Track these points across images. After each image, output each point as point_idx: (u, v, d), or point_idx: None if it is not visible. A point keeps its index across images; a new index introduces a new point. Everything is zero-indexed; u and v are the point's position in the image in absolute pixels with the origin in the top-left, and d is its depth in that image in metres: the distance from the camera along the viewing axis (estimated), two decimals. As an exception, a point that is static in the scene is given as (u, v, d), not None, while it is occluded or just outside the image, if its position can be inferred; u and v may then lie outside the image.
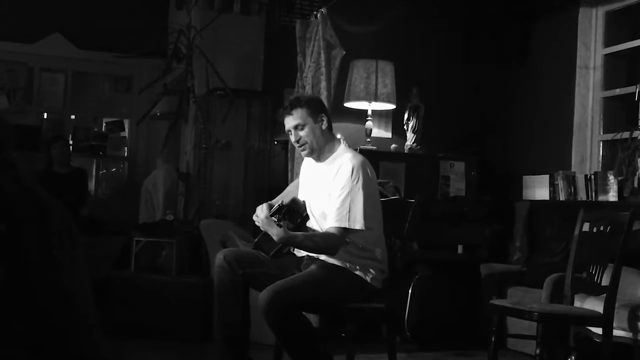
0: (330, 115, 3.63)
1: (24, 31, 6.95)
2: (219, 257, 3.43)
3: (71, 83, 7.43)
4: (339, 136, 5.48)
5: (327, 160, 3.53)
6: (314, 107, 3.51)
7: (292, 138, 3.52)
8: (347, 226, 3.33)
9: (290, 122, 3.49)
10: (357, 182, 3.35)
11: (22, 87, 7.12)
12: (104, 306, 4.89)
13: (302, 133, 3.47)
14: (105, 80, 7.74)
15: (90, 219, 6.33)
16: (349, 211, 3.33)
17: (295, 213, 3.35)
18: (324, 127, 3.51)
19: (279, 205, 3.33)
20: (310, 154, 3.53)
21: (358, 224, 3.33)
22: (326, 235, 3.35)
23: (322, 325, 3.37)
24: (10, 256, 1.34)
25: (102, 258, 5.55)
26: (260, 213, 3.31)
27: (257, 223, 3.40)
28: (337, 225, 3.33)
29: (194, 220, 5.65)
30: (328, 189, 3.42)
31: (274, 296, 3.14)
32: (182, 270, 5.28)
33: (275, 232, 3.26)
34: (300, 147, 3.52)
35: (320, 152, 3.52)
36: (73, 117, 7.61)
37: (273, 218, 3.27)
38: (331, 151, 3.53)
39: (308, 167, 3.68)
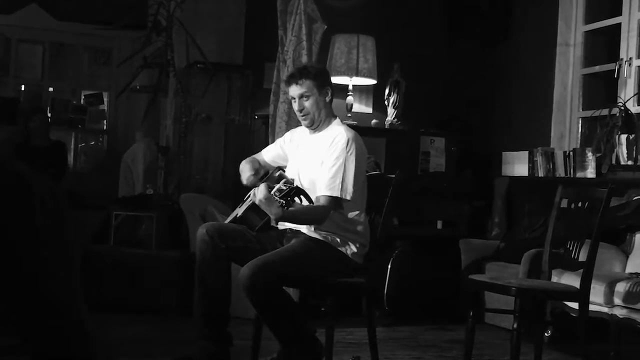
0: (333, 87, 3.65)
1: (1, 1, 6.84)
2: (201, 231, 3.43)
3: (49, 55, 7.34)
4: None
5: (321, 132, 3.57)
6: (322, 80, 3.56)
7: (296, 106, 3.55)
8: (338, 195, 3.36)
9: (296, 90, 3.52)
10: (351, 154, 3.41)
11: (-1, 58, 7.03)
12: (83, 280, 4.88)
13: (306, 103, 3.51)
14: (84, 52, 7.65)
15: (69, 192, 6.27)
16: (342, 181, 3.37)
17: (302, 198, 3.27)
18: (327, 99, 3.57)
19: (288, 187, 3.24)
20: (310, 124, 3.57)
21: (348, 194, 3.37)
22: (318, 207, 3.36)
23: (302, 300, 3.38)
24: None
25: (81, 232, 5.53)
26: (258, 193, 3.24)
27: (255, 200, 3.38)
28: (328, 194, 3.36)
29: (173, 195, 5.63)
30: (320, 157, 3.46)
31: (255, 271, 3.15)
32: (162, 245, 5.27)
33: (274, 212, 3.23)
34: (302, 116, 3.55)
35: (319, 123, 3.56)
36: (51, 89, 7.53)
37: (281, 200, 3.17)
38: (327, 124, 3.58)
39: (300, 138, 3.68)
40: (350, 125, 5.52)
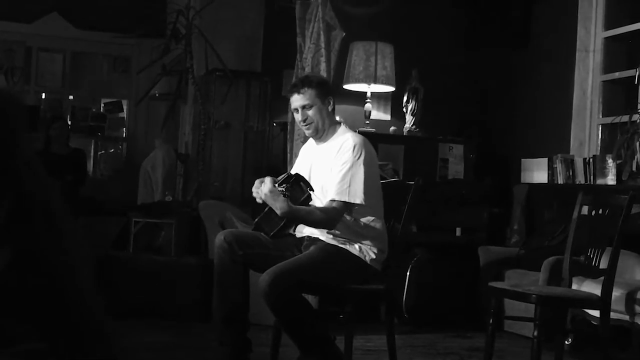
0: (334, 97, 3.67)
1: (22, 10, 6.91)
2: (219, 238, 3.44)
3: (69, 63, 7.40)
4: (338, 118, 5.52)
5: (328, 141, 3.57)
6: (324, 89, 3.58)
7: (299, 117, 3.56)
8: (347, 200, 3.35)
9: (298, 100, 3.53)
10: (358, 158, 3.40)
11: (20, 66, 7.10)
12: (102, 287, 4.90)
13: (309, 113, 3.52)
14: (103, 61, 7.72)
15: (89, 199, 6.32)
16: (349, 185, 3.36)
17: (302, 185, 3.30)
18: (330, 108, 3.58)
19: (287, 174, 3.29)
20: (314, 134, 3.58)
21: (358, 198, 3.36)
22: (326, 209, 3.37)
23: (321, 307, 3.38)
24: (16, 235, 1.34)
25: (100, 238, 5.56)
26: (264, 187, 3.28)
27: (257, 198, 3.39)
28: (337, 198, 3.36)
29: (192, 201, 5.65)
30: (329, 165, 3.46)
31: (275, 279, 3.15)
32: (181, 251, 5.29)
33: (279, 206, 3.25)
34: (305, 126, 3.56)
35: (323, 132, 3.57)
36: (71, 97, 7.59)
37: (280, 188, 3.22)
38: (333, 132, 3.58)
39: (308, 149, 3.71)
40: (368, 133, 5.58)
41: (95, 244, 5.30)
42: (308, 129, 3.56)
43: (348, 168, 3.38)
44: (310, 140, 3.70)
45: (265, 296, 3.16)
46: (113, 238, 5.73)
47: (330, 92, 3.62)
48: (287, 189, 3.24)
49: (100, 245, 5.40)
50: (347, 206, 3.37)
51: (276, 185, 3.25)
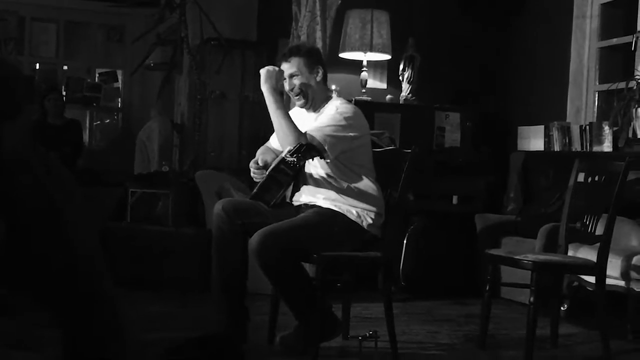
0: (325, 66, 3.64)
1: (15, -20, 6.85)
2: (217, 207, 3.44)
3: (63, 33, 7.35)
4: (333, 87, 5.51)
5: (319, 110, 3.56)
6: (312, 58, 3.56)
7: (287, 86, 3.55)
8: (321, 142, 3.31)
9: (286, 69, 3.53)
10: (338, 113, 3.40)
11: (14, 37, 7.04)
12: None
13: (296, 82, 3.52)
14: (97, 30, 7.66)
15: (85, 170, 6.32)
16: (323, 132, 3.33)
17: (314, 153, 3.28)
18: (318, 78, 3.56)
19: (298, 143, 3.24)
20: (304, 104, 3.58)
21: (323, 143, 3.32)
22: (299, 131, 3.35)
23: (318, 275, 3.39)
24: (9, 209, 1.34)
25: (98, 209, 5.56)
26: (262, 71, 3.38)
27: (255, 178, 3.42)
28: (310, 133, 3.33)
29: (189, 172, 5.65)
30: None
31: (265, 238, 3.17)
32: (178, 222, 5.29)
33: (267, 86, 3.39)
34: (295, 96, 3.56)
35: (313, 102, 3.56)
36: (66, 67, 7.55)
37: (292, 158, 3.21)
38: (325, 102, 3.57)
39: (298, 116, 3.65)
40: (364, 102, 5.57)
41: (93, 215, 5.30)
42: (298, 99, 3.56)
43: (331, 124, 3.37)
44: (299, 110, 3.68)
45: (255, 254, 3.18)
46: (111, 209, 5.73)
47: (319, 62, 3.59)
48: (299, 159, 3.22)
49: (98, 216, 5.40)
50: (311, 141, 3.30)
51: (287, 156, 3.23)
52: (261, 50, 5.98)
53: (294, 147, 3.23)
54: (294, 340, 3.42)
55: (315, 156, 3.32)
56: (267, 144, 3.81)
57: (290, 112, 3.70)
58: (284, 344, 3.45)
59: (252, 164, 3.53)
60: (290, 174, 3.34)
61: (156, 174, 5.66)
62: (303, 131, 3.37)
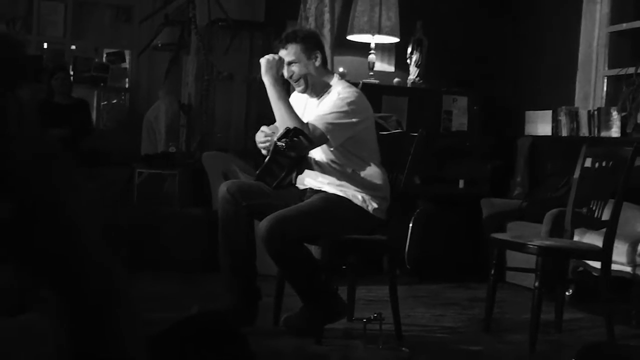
0: (325, 50, 3.63)
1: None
2: (222, 189, 3.45)
3: (71, 12, 7.33)
4: (340, 70, 5.49)
5: (323, 95, 3.53)
6: (309, 44, 3.50)
7: (286, 73, 3.51)
8: (322, 131, 3.30)
9: (283, 56, 3.49)
10: (340, 100, 3.37)
11: (22, 16, 7.04)
12: (108, 238, 4.92)
13: (294, 68, 3.48)
14: (106, 10, 7.65)
15: (92, 150, 6.33)
16: (325, 121, 3.32)
17: (302, 138, 3.27)
18: (317, 63, 3.51)
19: (286, 128, 3.25)
20: (305, 90, 3.54)
21: (324, 134, 3.31)
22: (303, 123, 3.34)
23: (323, 257, 3.40)
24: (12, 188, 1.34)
25: (105, 189, 5.58)
26: (262, 60, 3.37)
27: (262, 150, 3.42)
28: (312, 122, 3.33)
29: (196, 153, 5.66)
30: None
31: (274, 224, 3.18)
32: (185, 202, 5.31)
33: (269, 76, 3.38)
34: (295, 82, 3.52)
35: (314, 87, 3.52)
36: (73, 47, 7.54)
37: (280, 142, 3.20)
38: (326, 86, 3.53)
39: (299, 100, 3.64)
40: (372, 85, 5.56)
41: (101, 195, 5.32)
42: (298, 85, 3.52)
43: (334, 112, 3.35)
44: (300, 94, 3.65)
45: (264, 242, 3.19)
46: (118, 189, 5.75)
47: (317, 46, 3.53)
48: (287, 144, 3.22)
49: (106, 197, 5.41)
50: (314, 131, 3.30)
51: (276, 140, 3.23)
52: (269, 32, 5.96)
53: (282, 132, 3.22)
54: (298, 321, 3.44)
55: (306, 141, 3.28)
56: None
57: (292, 97, 3.70)
58: (288, 325, 3.47)
59: (258, 134, 3.54)
60: (288, 156, 3.33)
61: (163, 155, 5.67)
62: (305, 120, 3.36)
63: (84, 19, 7.62)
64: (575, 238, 3.93)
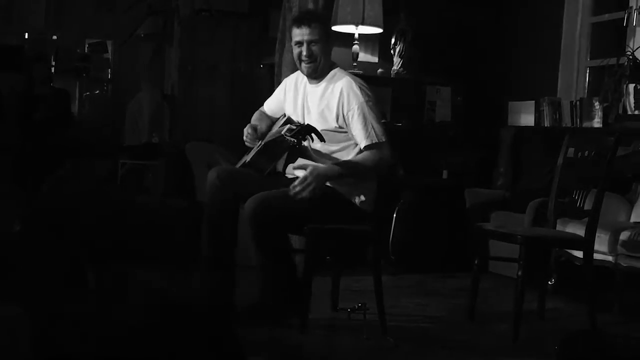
0: None
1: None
2: (212, 175, 3.41)
3: (53, 2, 7.27)
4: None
5: (323, 81, 3.49)
6: (329, 27, 3.52)
7: (304, 51, 3.41)
8: (377, 141, 3.33)
9: (306, 34, 3.40)
10: (368, 100, 3.38)
11: (2, 5, 6.97)
12: (90, 228, 4.91)
13: (314, 48, 3.41)
14: (88, 0, 7.59)
15: (75, 141, 6.29)
16: (371, 126, 3.33)
17: (313, 136, 3.22)
18: (331, 47, 3.51)
19: (298, 125, 3.20)
20: (314, 72, 3.47)
21: (383, 136, 3.35)
22: (366, 156, 3.35)
23: (308, 247, 3.40)
24: None
25: (87, 180, 5.55)
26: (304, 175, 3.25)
27: (246, 141, 3.42)
28: (367, 143, 3.33)
29: (179, 143, 5.64)
30: (323, 110, 3.42)
31: (258, 204, 3.17)
32: (168, 193, 5.29)
33: (330, 171, 3.28)
34: (308, 63, 3.44)
35: (321, 72, 3.48)
36: (55, 37, 7.48)
37: (292, 139, 3.14)
38: (327, 73, 3.50)
39: (300, 86, 3.60)
40: (356, 75, 5.53)
41: (83, 186, 5.29)
42: (309, 66, 3.44)
43: (363, 111, 3.34)
44: (298, 75, 3.62)
45: (249, 219, 3.17)
46: (100, 180, 5.72)
47: (331, 31, 3.53)
48: (299, 142, 3.16)
49: (88, 187, 5.38)
50: (378, 146, 3.34)
51: (287, 134, 3.18)
52: (252, 22, 5.95)
53: (296, 128, 3.16)
54: (259, 310, 3.41)
55: (316, 135, 3.26)
56: (261, 109, 3.79)
57: (286, 81, 3.69)
58: (247, 314, 3.42)
59: (248, 129, 3.52)
60: (286, 148, 3.32)
61: (146, 145, 5.64)
62: (356, 146, 3.38)
63: (66, 9, 7.56)
64: (558, 227, 3.95)
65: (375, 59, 6.26)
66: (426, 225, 5.38)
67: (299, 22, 3.46)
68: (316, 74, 3.48)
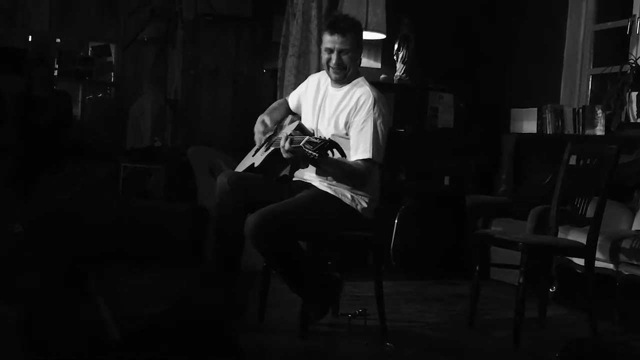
0: None
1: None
2: (222, 180, 3.38)
3: (56, 5, 7.28)
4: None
5: (344, 87, 3.48)
6: (360, 35, 3.46)
7: (333, 59, 3.39)
8: (370, 157, 3.30)
9: (338, 43, 3.37)
10: (378, 116, 3.35)
11: (5, 8, 6.98)
12: (92, 232, 4.91)
13: (344, 58, 3.38)
14: (91, 3, 7.59)
15: (77, 144, 6.29)
16: (372, 143, 3.30)
17: (335, 152, 3.17)
18: (360, 54, 3.50)
19: (321, 140, 3.05)
20: (341, 80, 3.45)
21: (380, 157, 3.33)
22: (354, 166, 3.31)
23: (309, 253, 3.39)
24: None
25: (90, 183, 5.55)
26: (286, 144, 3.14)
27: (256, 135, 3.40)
28: (360, 157, 3.31)
29: (181, 147, 5.64)
30: (343, 115, 3.41)
31: (261, 220, 3.15)
32: (170, 197, 5.29)
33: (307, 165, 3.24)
34: (337, 70, 3.41)
35: (347, 79, 3.47)
36: (58, 40, 7.49)
37: (314, 153, 3.01)
38: (350, 81, 3.48)
39: (319, 84, 3.59)
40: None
41: (85, 189, 5.29)
42: (337, 74, 3.42)
43: (369, 126, 3.32)
44: (322, 75, 3.60)
45: (251, 238, 3.16)
46: (102, 183, 5.72)
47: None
48: (321, 156, 3.03)
49: (90, 190, 5.39)
50: (371, 164, 3.32)
51: (301, 143, 3.06)
52: (256, 27, 5.96)
53: (319, 142, 3.03)
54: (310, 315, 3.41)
55: (338, 151, 3.21)
56: (286, 98, 3.80)
57: (310, 78, 3.69)
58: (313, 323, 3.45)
59: (258, 126, 3.54)
60: (304, 159, 3.23)
61: (148, 149, 5.65)
62: (357, 153, 3.33)
63: (70, 12, 7.56)
64: (560, 235, 3.95)
65: (378, 65, 6.27)
66: (427, 232, 5.38)
67: (332, 28, 3.39)
68: (342, 81, 3.47)
